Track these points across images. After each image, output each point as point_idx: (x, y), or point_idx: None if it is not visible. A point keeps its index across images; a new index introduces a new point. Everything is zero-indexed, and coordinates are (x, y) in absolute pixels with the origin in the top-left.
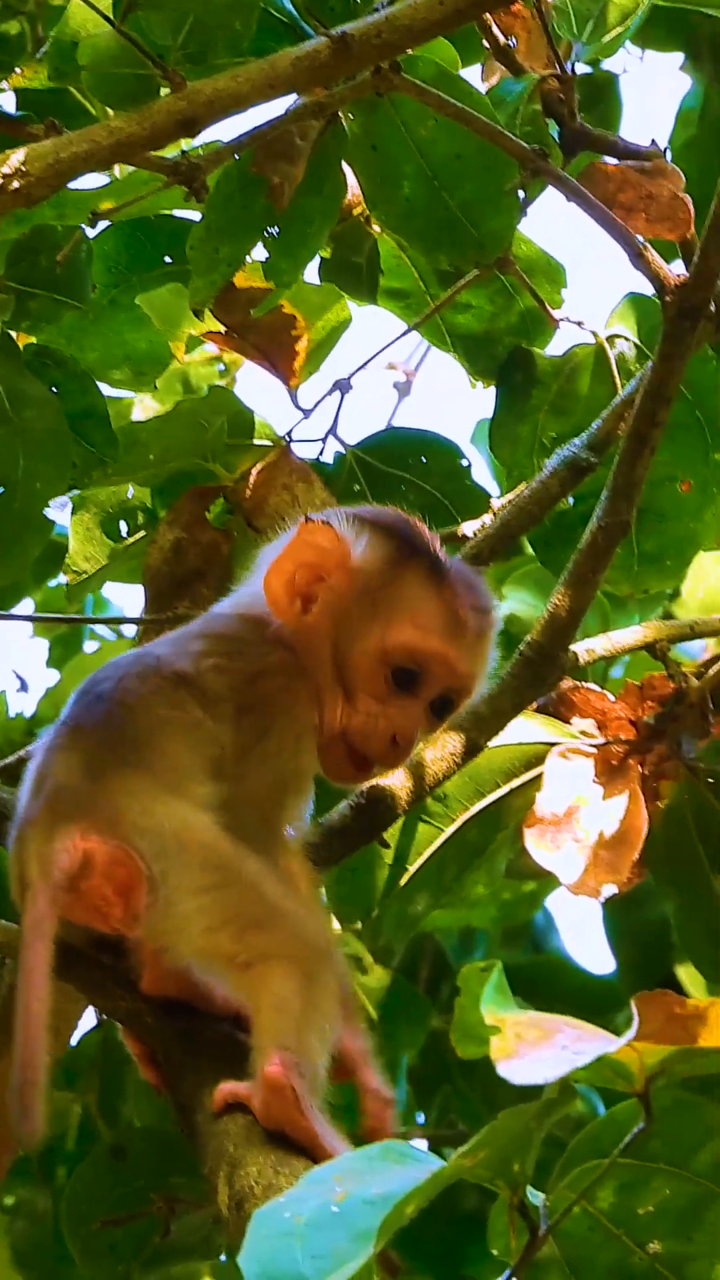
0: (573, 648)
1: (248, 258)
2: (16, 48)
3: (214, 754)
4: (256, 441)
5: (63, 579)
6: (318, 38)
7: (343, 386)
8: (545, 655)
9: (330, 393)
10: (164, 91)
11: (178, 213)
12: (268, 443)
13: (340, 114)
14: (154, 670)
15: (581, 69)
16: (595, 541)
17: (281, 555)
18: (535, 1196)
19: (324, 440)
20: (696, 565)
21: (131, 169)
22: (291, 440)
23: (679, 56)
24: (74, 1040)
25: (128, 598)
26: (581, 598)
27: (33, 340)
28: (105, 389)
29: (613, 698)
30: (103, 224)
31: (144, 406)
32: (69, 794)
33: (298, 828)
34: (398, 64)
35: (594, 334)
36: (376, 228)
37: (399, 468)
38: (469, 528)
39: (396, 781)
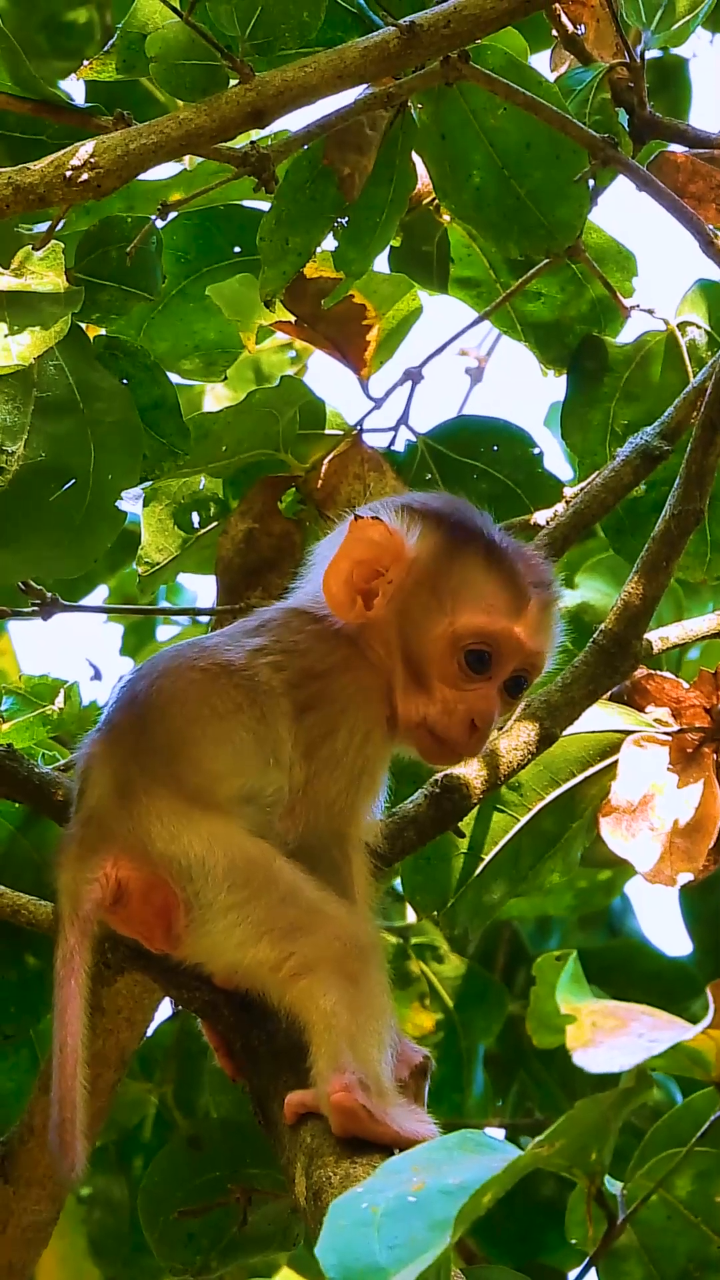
0: (647, 636)
1: (318, 248)
2: (85, 39)
3: (261, 740)
4: (328, 431)
5: (136, 567)
6: (386, 28)
7: (414, 376)
8: (619, 643)
9: (401, 382)
10: (233, 83)
11: (247, 203)
12: (339, 432)
13: (409, 104)
14: (192, 663)
15: (651, 55)
16: (668, 529)
17: (337, 555)
18: (613, 1185)
19: (395, 429)
20: None
21: (201, 160)
22: (363, 430)
23: None
24: (150, 1030)
25: (201, 586)
26: (655, 585)
27: (103, 332)
28: (176, 379)
29: (687, 685)
30: (172, 215)
31: (215, 396)
32: (99, 819)
33: (368, 827)
34: (466, 53)
35: (665, 321)
36: (446, 217)
37: (470, 456)
38: (541, 516)
39: (471, 771)
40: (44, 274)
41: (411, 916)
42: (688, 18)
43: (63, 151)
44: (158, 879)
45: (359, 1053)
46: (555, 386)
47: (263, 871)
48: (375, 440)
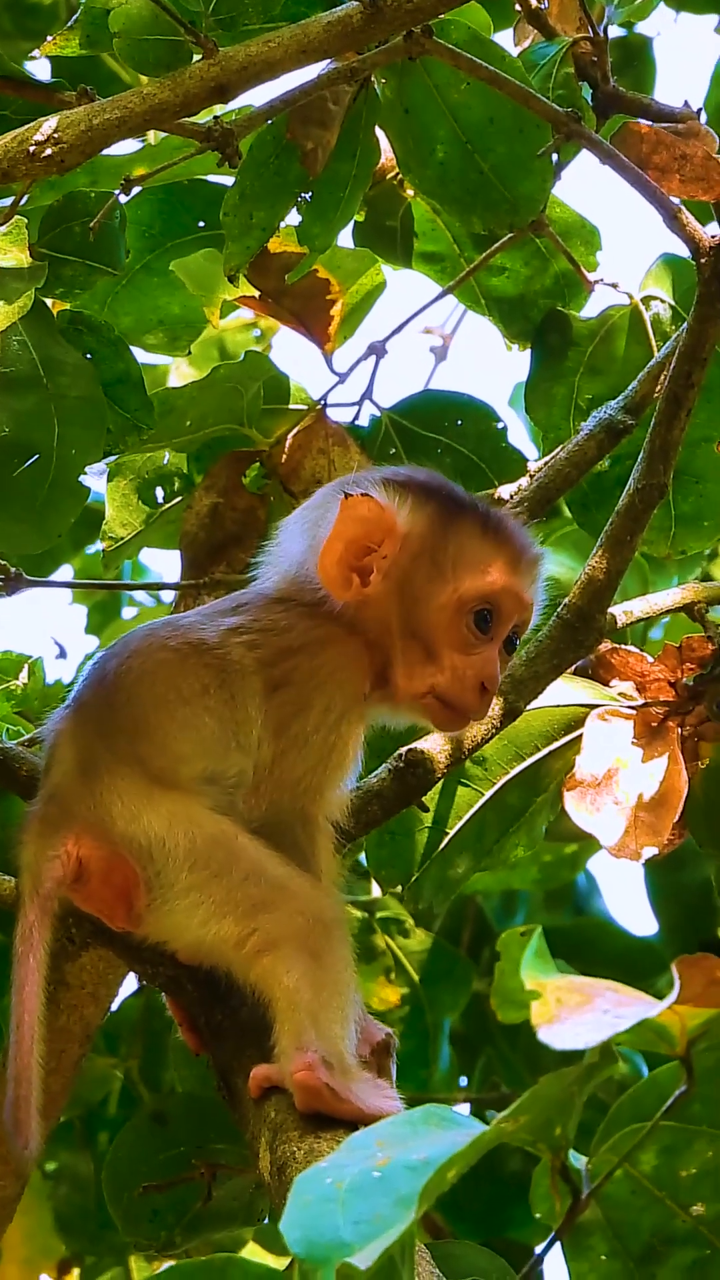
0: (611, 610)
1: (281, 223)
2: (49, 15)
3: (225, 724)
4: (292, 406)
5: (100, 545)
6: (350, 3)
7: (378, 350)
8: (583, 618)
9: (365, 357)
10: (196, 58)
11: (211, 178)
12: (303, 407)
13: (373, 78)
14: (163, 643)
15: (615, 31)
16: (633, 503)
17: (330, 536)
18: (578, 1160)
19: (359, 404)
20: None
21: (164, 135)
22: (327, 404)
23: (714, 18)
24: (114, 1005)
25: (165, 563)
26: (619, 560)
27: (67, 307)
28: (140, 355)
29: (651, 659)
30: (136, 190)
31: (179, 372)
32: (62, 796)
33: (338, 804)
34: (430, 28)
35: (629, 296)
36: (410, 192)
37: (435, 431)
38: (506, 490)
39: (435, 745)
40: (7, 249)
41: (376, 891)
42: None
43: (26, 127)
44: (119, 858)
45: (322, 1029)
46: (520, 364)
47: (224, 850)
48: (339, 415)
